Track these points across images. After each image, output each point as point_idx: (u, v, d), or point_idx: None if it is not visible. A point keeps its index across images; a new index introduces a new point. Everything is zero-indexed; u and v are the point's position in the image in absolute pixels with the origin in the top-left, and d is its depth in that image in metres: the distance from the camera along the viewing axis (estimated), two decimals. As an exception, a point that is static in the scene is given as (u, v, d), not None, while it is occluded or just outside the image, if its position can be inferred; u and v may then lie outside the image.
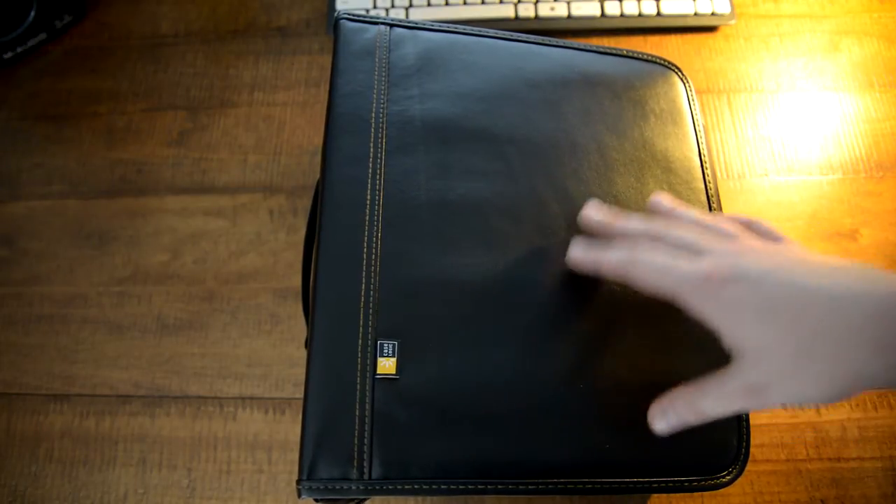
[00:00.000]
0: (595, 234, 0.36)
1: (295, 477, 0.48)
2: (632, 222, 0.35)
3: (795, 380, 0.29)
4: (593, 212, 0.37)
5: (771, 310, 0.29)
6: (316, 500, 0.34)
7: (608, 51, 0.46)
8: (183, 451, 0.49)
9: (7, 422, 0.51)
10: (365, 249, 0.36)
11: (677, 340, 0.37)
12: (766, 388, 0.29)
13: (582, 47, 0.46)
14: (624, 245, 0.33)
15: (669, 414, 0.33)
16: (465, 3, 0.62)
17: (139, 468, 0.49)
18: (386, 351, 0.35)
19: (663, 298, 0.32)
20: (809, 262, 0.30)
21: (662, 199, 0.37)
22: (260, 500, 0.47)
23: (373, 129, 0.40)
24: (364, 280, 0.36)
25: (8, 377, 0.52)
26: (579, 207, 0.40)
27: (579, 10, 0.62)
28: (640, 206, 0.41)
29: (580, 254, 0.35)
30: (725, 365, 0.31)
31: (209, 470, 0.48)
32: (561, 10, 0.62)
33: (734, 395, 0.30)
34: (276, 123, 0.60)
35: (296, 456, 0.48)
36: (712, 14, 0.61)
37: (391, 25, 0.43)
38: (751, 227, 0.35)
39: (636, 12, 0.61)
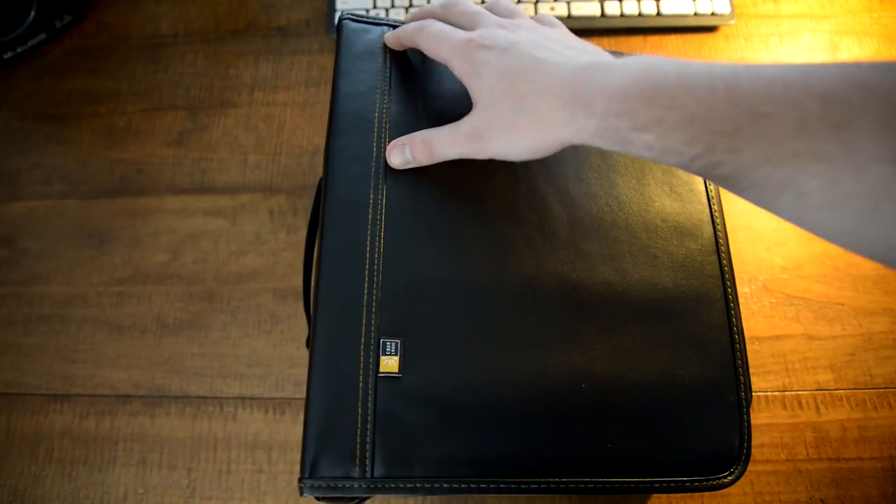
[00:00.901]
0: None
1: (295, 476, 0.48)
2: (434, 4, 0.41)
3: (508, 129, 0.34)
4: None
5: (504, 72, 0.34)
6: (318, 499, 0.34)
7: (608, 51, 0.46)
8: (183, 451, 0.49)
9: (7, 422, 0.51)
10: (368, 248, 0.36)
11: (679, 340, 0.37)
12: (486, 133, 0.34)
13: (583, 47, 0.46)
14: (420, 20, 0.39)
15: (406, 149, 0.37)
16: (465, 4, 0.62)
17: (139, 468, 0.49)
18: (389, 349, 0.35)
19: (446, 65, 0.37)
20: (558, 41, 0.35)
21: None
22: (260, 500, 0.47)
23: (376, 129, 0.40)
24: (367, 278, 0.36)
25: (8, 377, 0.52)
26: (581, 207, 0.40)
27: (579, 10, 0.62)
28: (642, 206, 0.41)
29: (391, 36, 0.41)
30: None
31: (209, 470, 0.48)
32: (561, 10, 0.62)
33: (461, 138, 0.35)
34: (276, 123, 0.60)
35: (296, 456, 0.48)
36: (712, 14, 0.62)
37: (394, 27, 0.43)
38: (541, 20, 0.40)
39: (636, 12, 0.61)
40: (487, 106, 0.34)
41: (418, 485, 0.33)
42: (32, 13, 0.62)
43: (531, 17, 0.40)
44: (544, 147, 0.34)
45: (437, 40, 0.37)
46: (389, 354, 0.34)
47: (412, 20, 0.41)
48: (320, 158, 0.58)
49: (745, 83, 0.27)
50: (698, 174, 0.29)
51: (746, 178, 0.27)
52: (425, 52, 0.38)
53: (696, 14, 0.62)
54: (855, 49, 0.61)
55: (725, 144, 0.27)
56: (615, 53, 0.38)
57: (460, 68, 0.36)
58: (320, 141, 0.59)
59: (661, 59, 0.31)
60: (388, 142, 0.40)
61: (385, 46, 0.42)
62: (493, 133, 0.34)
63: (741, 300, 0.51)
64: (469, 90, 0.36)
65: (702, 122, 0.28)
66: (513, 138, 0.34)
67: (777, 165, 0.26)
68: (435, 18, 0.40)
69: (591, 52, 0.36)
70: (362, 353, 0.34)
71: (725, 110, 0.27)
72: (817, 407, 0.48)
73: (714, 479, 0.36)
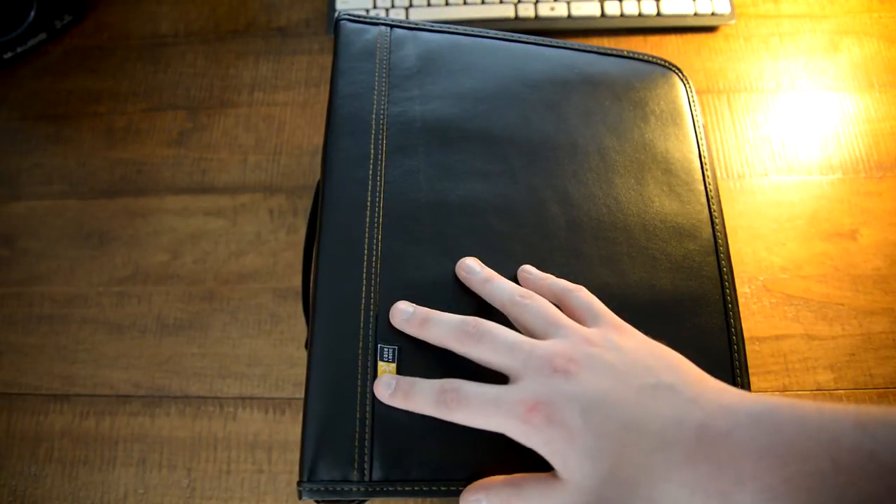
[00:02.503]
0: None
1: (295, 477, 0.48)
2: (440, 327, 0.34)
3: None
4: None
5: (595, 456, 0.28)
6: (317, 502, 0.34)
7: (608, 51, 0.46)
8: (183, 451, 0.49)
9: (7, 422, 0.51)
10: (365, 251, 0.36)
11: (679, 344, 0.37)
12: None
13: (582, 48, 0.46)
14: (433, 394, 0.32)
15: None
16: (465, 3, 0.62)
17: (139, 468, 0.49)
18: (386, 356, 0.34)
19: None
20: (627, 377, 0.30)
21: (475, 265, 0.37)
22: (260, 500, 0.47)
23: (373, 131, 0.40)
24: (364, 282, 0.36)
25: (8, 377, 0.53)
26: (579, 209, 0.40)
27: (579, 10, 0.62)
28: (641, 207, 0.41)
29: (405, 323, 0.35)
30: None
31: (209, 470, 0.48)
32: (561, 10, 0.62)
33: None
34: (276, 123, 0.60)
35: (296, 456, 0.48)
36: (712, 14, 0.61)
37: (392, 26, 0.43)
38: (568, 300, 0.35)
39: (636, 12, 0.61)
40: (586, 490, 0.29)
41: (416, 488, 0.33)
42: (32, 13, 0.62)
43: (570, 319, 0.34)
44: None
45: (477, 413, 0.31)
46: (387, 361, 0.34)
47: (414, 325, 0.35)
48: (320, 158, 0.58)
49: None
50: None
51: None
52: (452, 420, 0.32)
53: (696, 14, 0.61)
54: (855, 49, 0.61)
55: None
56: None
57: (531, 444, 0.30)
58: (320, 141, 0.59)
59: (789, 417, 0.26)
60: (385, 143, 0.39)
61: (383, 47, 0.42)
62: None
63: (741, 300, 0.51)
64: (547, 460, 0.30)
65: None
66: None
67: None
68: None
69: (675, 388, 0.29)
70: (360, 357, 0.34)
71: None
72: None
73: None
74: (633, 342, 0.32)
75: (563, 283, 0.36)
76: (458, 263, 0.37)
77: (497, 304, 0.35)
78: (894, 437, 0.24)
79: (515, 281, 0.37)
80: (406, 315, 0.35)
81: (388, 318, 0.35)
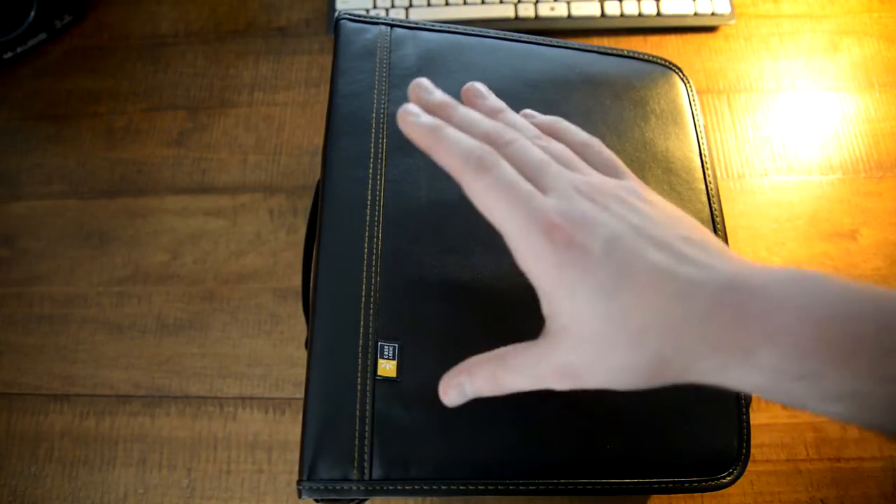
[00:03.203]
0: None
1: (295, 477, 0.48)
2: (479, 122, 0.30)
3: (617, 370, 0.25)
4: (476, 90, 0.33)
5: (612, 291, 0.24)
6: (316, 501, 0.34)
7: (609, 51, 0.46)
8: (183, 451, 0.49)
9: (7, 422, 0.51)
10: (366, 250, 0.36)
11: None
12: (587, 372, 0.26)
13: (582, 48, 0.46)
14: (469, 148, 0.28)
15: (467, 387, 0.29)
16: (465, 3, 0.62)
17: (139, 468, 0.49)
18: (387, 353, 0.34)
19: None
20: (660, 223, 0.27)
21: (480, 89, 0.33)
22: (260, 500, 0.47)
23: (374, 130, 0.40)
24: (365, 280, 0.36)
25: (8, 377, 0.52)
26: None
27: (579, 10, 0.62)
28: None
29: (409, 125, 0.29)
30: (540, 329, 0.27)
31: (209, 470, 0.48)
32: (561, 10, 0.62)
33: (545, 376, 0.27)
34: (276, 123, 0.60)
35: (296, 456, 0.48)
36: (712, 14, 0.61)
37: (392, 26, 0.43)
38: (587, 154, 0.31)
39: (636, 12, 0.61)
40: (586, 337, 0.25)
41: (416, 486, 0.33)
42: (32, 13, 0.62)
43: (588, 163, 0.30)
44: (667, 383, 0.25)
45: (503, 192, 0.26)
46: (387, 358, 0.34)
47: (439, 106, 0.30)
48: (320, 158, 0.58)
49: None
50: None
51: None
52: (470, 191, 0.28)
53: (696, 14, 0.61)
54: (855, 49, 0.61)
55: None
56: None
57: (537, 265, 0.26)
58: (320, 141, 0.59)
59: (835, 282, 0.23)
60: (386, 142, 0.39)
61: (383, 47, 0.42)
62: (598, 372, 0.26)
63: (741, 300, 0.51)
64: (546, 297, 0.27)
65: None
66: (624, 378, 0.26)
67: None
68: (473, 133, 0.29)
69: (713, 246, 0.26)
70: (360, 356, 0.34)
71: None
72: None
73: (713, 480, 0.36)
74: (659, 199, 0.29)
75: (577, 133, 0.32)
76: (466, 85, 0.33)
77: (508, 137, 0.29)
78: None
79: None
80: (428, 90, 0.31)
81: (389, 317, 0.35)
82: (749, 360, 0.23)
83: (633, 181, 0.30)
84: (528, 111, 0.35)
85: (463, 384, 0.30)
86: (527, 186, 0.27)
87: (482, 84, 0.34)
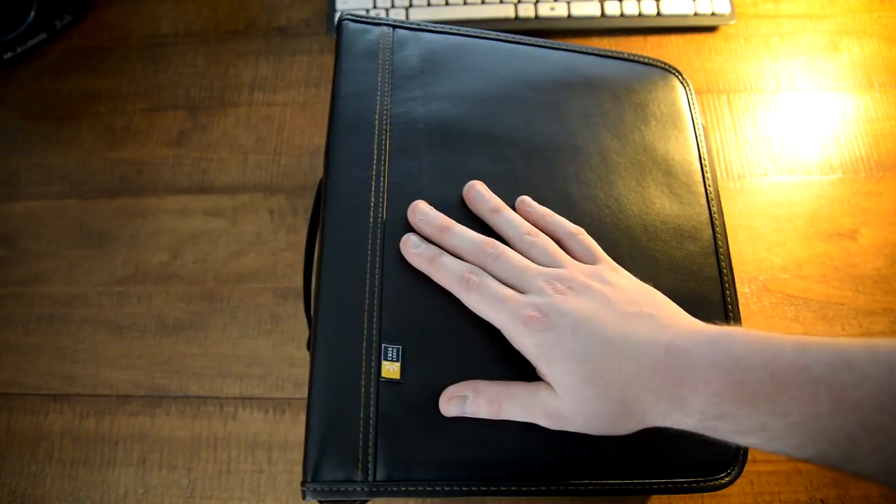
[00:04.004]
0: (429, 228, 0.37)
1: (295, 477, 0.48)
2: (472, 241, 0.37)
3: (592, 416, 0.32)
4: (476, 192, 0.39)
5: (580, 359, 0.32)
6: (320, 502, 0.34)
7: (609, 54, 0.46)
8: (183, 451, 0.49)
9: (7, 422, 0.51)
10: (369, 251, 0.36)
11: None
12: (567, 418, 0.33)
13: (583, 50, 0.46)
14: (460, 272, 0.35)
15: (468, 405, 0.34)
16: (464, 3, 0.62)
17: (139, 468, 0.49)
18: (390, 355, 0.35)
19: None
20: (619, 303, 0.34)
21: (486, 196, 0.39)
22: (260, 500, 0.47)
23: (376, 131, 0.40)
24: (368, 283, 0.36)
25: (8, 377, 0.52)
26: (581, 210, 0.40)
27: (579, 10, 0.62)
28: (642, 208, 0.41)
29: (415, 252, 0.36)
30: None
31: (209, 470, 0.48)
32: (561, 10, 0.62)
33: (537, 414, 0.33)
34: (276, 123, 0.60)
35: (296, 456, 0.48)
36: (712, 14, 0.62)
37: (394, 27, 0.43)
38: (570, 243, 0.38)
39: (636, 12, 0.61)
40: (569, 393, 0.32)
41: (419, 488, 0.33)
42: (32, 13, 0.62)
43: (568, 253, 0.37)
44: (632, 429, 0.33)
45: (489, 303, 0.34)
46: (391, 360, 0.34)
47: (433, 227, 0.37)
48: (320, 158, 0.58)
49: (850, 388, 0.26)
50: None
51: (864, 472, 0.27)
52: (464, 302, 0.35)
53: (696, 14, 0.62)
54: (855, 49, 0.61)
55: (839, 453, 0.27)
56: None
57: (522, 345, 0.34)
58: (320, 141, 0.59)
59: (742, 339, 0.30)
60: (388, 143, 0.39)
61: (385, 48, 0.42)
62: (578, 418, 0.32)
63: (741, 300, 0.51)
64: (537, 368, 0.34)
65: (808, 431, 0.27)
66: (600, 424, 0.32)
67: None
68: (462, 251, 0.36)
69: (654, 318, 0.33)
70: (364, 358, 0.34)
71: (834, 420, 0.27)
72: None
73: (712, 480, 0.36)
74: (626, 281, 0.36)
75: (565, 225, 0.38)
76: (467, 186, 0.39)
77: (504, 236, 0.37)
78: (827, 356, 0.27)
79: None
80: (425, 216, 0.37)
81: (392, 319, 0.35)
82: (683, 406, 0.30)
83: (604, 266, 0.37)
84: (526, 199, 0.39)
85: (466, 399, 0.34)
86: (508, 292, 0.34)
87: (482, 184, 0.39)
